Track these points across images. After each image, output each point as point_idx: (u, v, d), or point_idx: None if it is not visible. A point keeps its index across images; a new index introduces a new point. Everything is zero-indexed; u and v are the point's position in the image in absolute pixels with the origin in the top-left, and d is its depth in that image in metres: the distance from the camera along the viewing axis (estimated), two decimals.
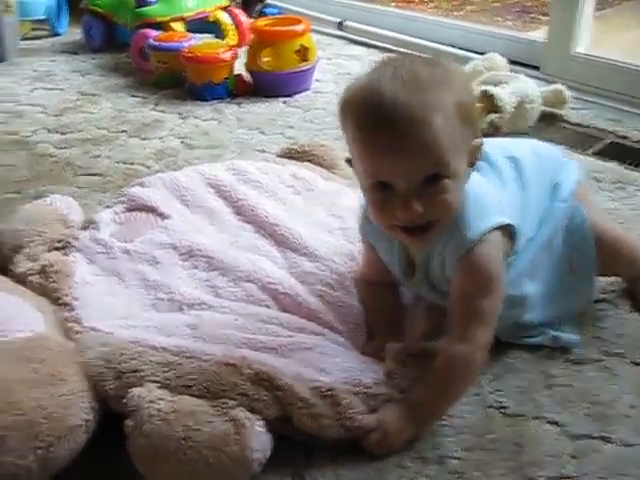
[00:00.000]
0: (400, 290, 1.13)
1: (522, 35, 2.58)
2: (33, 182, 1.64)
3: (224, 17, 2.48)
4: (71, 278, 1.11)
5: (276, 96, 2.11)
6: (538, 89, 1.83)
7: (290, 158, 1.52)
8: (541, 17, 3.16)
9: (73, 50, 2.65)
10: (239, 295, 1.11)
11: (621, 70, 2.00)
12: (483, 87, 1.76)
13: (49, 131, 1.94)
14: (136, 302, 1.11)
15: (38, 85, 2.29)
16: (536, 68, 2.15)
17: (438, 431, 0.95)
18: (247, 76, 2.18)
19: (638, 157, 1.70)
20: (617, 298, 1.19)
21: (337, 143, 1.51)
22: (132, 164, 1.73)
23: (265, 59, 2.10)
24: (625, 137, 1.80)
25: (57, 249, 1.20)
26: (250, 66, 2.15)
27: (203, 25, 2.47)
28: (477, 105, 1.70)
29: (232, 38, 2.44)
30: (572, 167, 1.13)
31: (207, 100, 2.10)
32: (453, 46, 2.38)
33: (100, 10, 2.56)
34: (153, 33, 2.29)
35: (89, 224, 1.27)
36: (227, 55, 2.10)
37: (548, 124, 1.86)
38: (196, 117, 2.00)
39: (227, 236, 1.25)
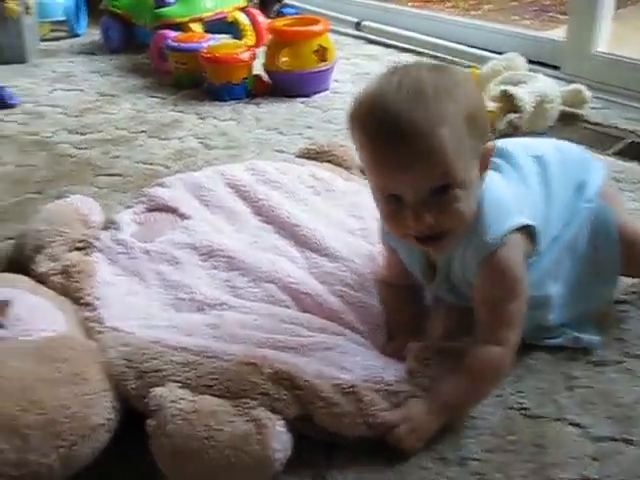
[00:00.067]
0: (420, 291, 1.13)
1: (541, 34, 2.57)
2: (54, 182, 1.66)
3: (242, 17, 2.48)
4: (93, 278, 1.12)
5: (295, 96, 2.11)
6: (557, 89, 1.82)
7: (309, 158, 1.52)
8: (559, 16, 3.14)
9: (91, 51, 2.67)
10: (259, 295, 1.11)
11: None
12: (502, 87, 1.75)
13: (69, 132, 1.95)
14: (156, 302, 1.11)
15: (58, 86, 2.31)
16: (555, 68, 2.14)
17: (459, 432, 0.95)
18: (265, 76, 2.18)
19: None
20: (639, 299, 1.18)
21: None
22: (151, 164, 1.74)
23: (283, 59, 2.10)
24: None
25: (78, 249, 1.21)
26: (268, 66, 2.16)
27: (221, 26, 2.47)
28: (495, 106, 1.70)
29: (250, 38, 2.44)
30: (597, 166, 1.12)
31: (226, 100, 2.10)
32: (471, 46, 2.37)
33: (119, 11, 2.58)
34: (172, 34, 2.30)
35: (110, 224, 1.28)
36: (246, 55, 2.10)
37: (568, 124, 1.85)
38: (215, 117, 2.01)
39: (247, 236, 1.25)
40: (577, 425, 0.96)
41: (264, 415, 0.87)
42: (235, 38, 2.44)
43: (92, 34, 2.83)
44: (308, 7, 2.88)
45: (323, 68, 2.14)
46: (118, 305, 1.08)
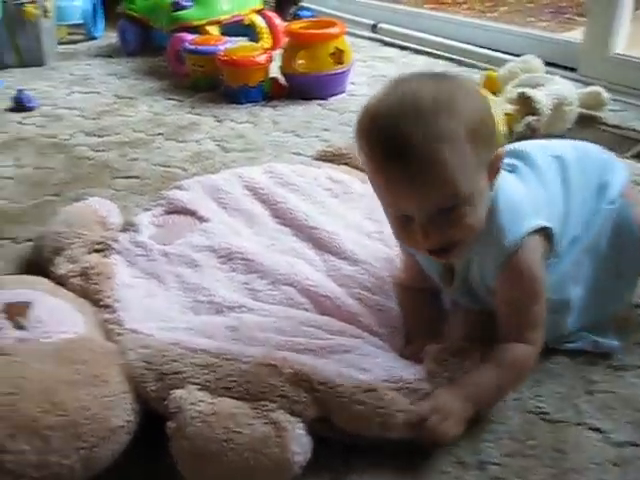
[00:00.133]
0: (438, 294, 1.13)
1: (558, 36, 2.56)
2: (72, 184, 1.66)
3: (259, 20, 2.49)
4: (112, 280, 1.13)
5: (311, 99, 2.12)
6: (575, 91, 1.82)
7: (326, 161, 1.53)
8: (576, 17, 3.13)
9: (108, 54, 2.69)
10: (278, 298, 1.11)
11: None
12: (520, 89, 1.75)
13: (87, 134, 1.96)
14: (175, 305, 1.12)
15: (75, 89, 2.33)
16: (572, 70, 2.13)
17: (478, 436, 0.94)
18: (282, 79, 2.19)
19: None
20: None
21: None
22: (169, 167, 1.74)
23: (300, 62, 2.10)
24: None
25: (97, 251, 1.22)
26: (285, 69, 2.16)
27: (238, 28, 2.49)
28: (513, 108, 1.70)
29: (266, 41, 2.45)
30: (619, 167, 1.11)
31: (242, 103, 2.11)
32: (487, 48, 2.36)
33: (136, 14, 2.60)
34: (189, 37, 2.31)
35: (128, 226, 1.29)
36: (262, 58, 2.11)
37: (585, 126, 1.84)
38: (232, 120, 2.02)
39: (265, 239, 1.26)
40: (597, 430, 0.95)
41: (283, 418, 0.87)
42: (252, 41, 2.45)
43: (109, 37, 2.85)
44: (324, 10, 2.89)
45: (339, 71, 2.14)
46: (137, 307, 1.09)
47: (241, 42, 2.36)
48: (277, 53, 2.25)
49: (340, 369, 0.94)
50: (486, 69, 2.09)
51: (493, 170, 0.92)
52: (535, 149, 1.06)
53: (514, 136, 1.64)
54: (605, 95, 1.86)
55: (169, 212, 1.33)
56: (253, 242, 1.24)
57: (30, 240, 1.39)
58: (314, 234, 1.24)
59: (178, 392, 0.89)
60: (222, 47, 2.19)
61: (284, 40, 2.31)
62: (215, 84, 2.20)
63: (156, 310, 1.09)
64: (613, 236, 1.06)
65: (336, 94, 2.16)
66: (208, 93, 2.21)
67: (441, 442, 0.90)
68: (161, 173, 1.71)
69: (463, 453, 0.92)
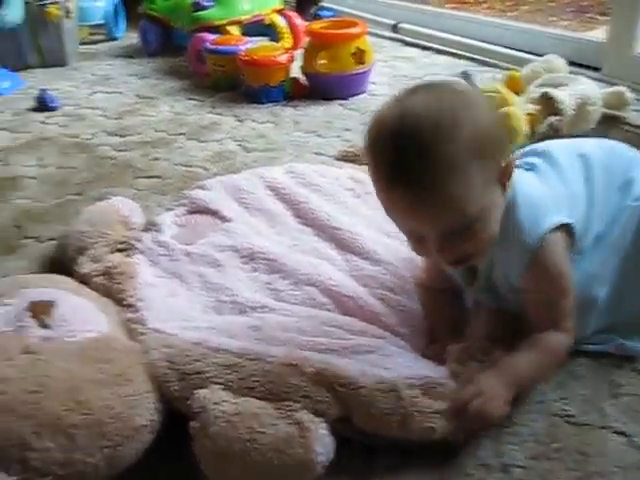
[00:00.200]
0: (460, 294, 1.12)
1: (580, 36, 2.54)
2: (94, 184, 1.67)
3: (279, 20, 2.49)
4: (135, 279, 1.13)
5: (332, 99, 2.12)
6: (598, 91, 1.80)
7: (347, 161, 1.53)
8: (598, 17, 3.10)
9: (129, 54, 2.71)
10: (300, 298, 1.11)
11: None
12: (543, 89, 1.73)
13: (109, 134, 1.97)
14: (198, 304, 1.12)
15: (97, 89, 2.35)
16: (596, 69, 2.11)
17: (502, 439, 0.94)
18: (303, 79, 2.19)
19: None
20: None
21: None
22: (190, 167, 1.75)
23: (321, 62, 2.10)
24: None
25: (120, 251, 1.22)
26: (306, 69, 2.16)
27: (259, 28, 2.49)
28: (535, 108, 1.68)
29: (287, 41, 2.45)
30: None
31: (263, 103, 2.12)
32: (509, 47, 2.35)
33: (157, 14, 2.61)
34: (210, 37, 2.32)
35: (151, 226, 1.29)
36: (283, 58, 2.11)
37: (609, 126, 1.82)
38: (253, 120, 2.02)
39: (287, 239, 1.26)
40: (622, 433, 0.94)
41: (307, 418, 0.87)
42: (272, 41, 2.45)
43: (130, 37, 2.87)
44: (345, 10, 2.88)
45: (361, 71, 2.14)
46: (160, 307, 1.09)
47: (262, 42, 2.36)
48: (298, 53, 2.26)
49: (363, 368, 0.93)
50: (508, 69, 2.08)
51: (504, 178, 0.91)
52: (559, 147, 1.05)
53: (536, 136, 1.62)
54: (629, 95, 1.84)
55: (191, 212, 1.33)
56: (275, 242, 1.24)
57: (53, 239, 1.40)
58: (336, 234, 1.24)
59: (202, 392, 0.90)
60: (243, 47, 2.19)
61: (305, 40, 2.31)
62: (236, 84, 2.21)
63: (179, 310, 1.10)
64: (638, 232, 1.05)
65: (357, 94, 2.15)
66: (229, 93, 2.22)
67: (488, 423, 0.90)
68: (183, 173, 1.72)
69: (487, 455, 0.91)
